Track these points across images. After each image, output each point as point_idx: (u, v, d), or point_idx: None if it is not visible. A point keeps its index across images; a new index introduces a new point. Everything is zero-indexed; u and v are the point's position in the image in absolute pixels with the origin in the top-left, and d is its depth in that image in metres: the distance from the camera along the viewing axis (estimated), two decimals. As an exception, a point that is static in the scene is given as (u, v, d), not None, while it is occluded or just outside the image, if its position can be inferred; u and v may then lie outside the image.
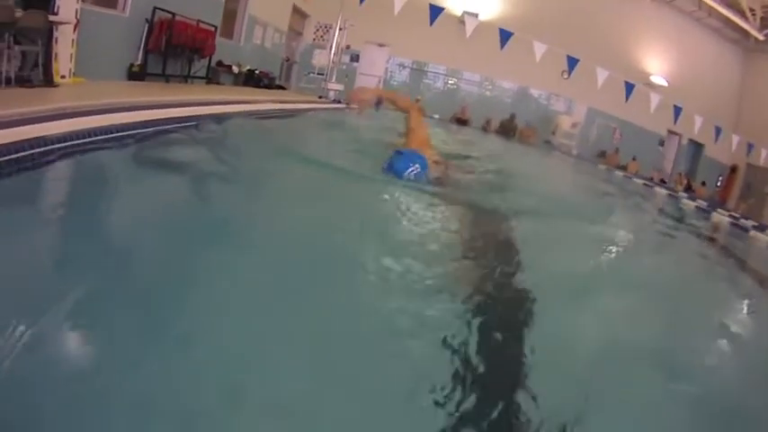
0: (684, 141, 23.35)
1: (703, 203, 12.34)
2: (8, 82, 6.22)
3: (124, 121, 4.92)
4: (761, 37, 20.79)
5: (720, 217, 10.86)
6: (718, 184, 23.74)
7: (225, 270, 2.40)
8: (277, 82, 17.17)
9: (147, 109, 6.02)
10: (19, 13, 6.34)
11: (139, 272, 2.27)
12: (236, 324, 1.98)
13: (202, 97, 9.03)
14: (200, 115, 6.77)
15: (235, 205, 3.59)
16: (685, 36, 22.18)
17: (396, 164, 4.34)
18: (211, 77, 12.73)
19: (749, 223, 10.53)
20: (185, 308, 2.04)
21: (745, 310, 4.32)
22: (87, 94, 6.82)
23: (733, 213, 11.98)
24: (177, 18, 10.36)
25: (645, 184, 14.65)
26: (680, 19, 22.04)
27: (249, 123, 7.84)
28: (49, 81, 6.96)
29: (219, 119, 6.91)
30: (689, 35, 22.23)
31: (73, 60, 7.68)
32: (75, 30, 7.57)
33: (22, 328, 1.60)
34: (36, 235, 2.57)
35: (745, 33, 21.42)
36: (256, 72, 15.14)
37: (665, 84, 21.80)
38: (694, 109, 18.22)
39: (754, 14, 20.26)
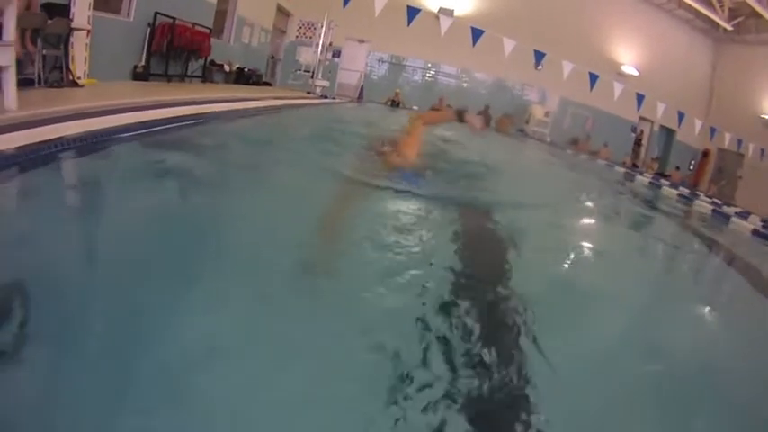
0: (656, 128, 24.21)
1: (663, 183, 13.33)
2: (38, 83, 6.98)
3: (173, 114, 5.95)
4: (729, 27, 21.52)
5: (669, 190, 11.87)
6: (691, 168, 24.52)
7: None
8: (264, 79, 17.92)
9: (183, 105, 7.10)
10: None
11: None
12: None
13: (219, 95, 10.28)
14: (234, 110, 8.17)
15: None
16: (655, 27, 22.97)
17: None
18: (206, 76, 13.45)
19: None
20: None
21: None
22: (113, 93, 7.71)
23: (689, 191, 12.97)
24: (177, 22, 11.14)
25: (607, 165, 15.59)
26: (650, 10, 22.81)
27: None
28: (73, 82, 7.71)
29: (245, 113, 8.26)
30: (659, 26, 23.03)
31: (87, 63, 8.40)
32: (88, 35, 8.30)
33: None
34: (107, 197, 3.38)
35: (715, 24, 22.13)
36: (245, 70, 15.90)
37: (636, 73, 22.64)
38: (665, 97, 19.01)
39: (722, 5, 20.92)
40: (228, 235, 3.05)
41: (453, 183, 5.28)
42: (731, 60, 23.18)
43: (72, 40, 7.89)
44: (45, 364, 1.62)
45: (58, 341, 1.70)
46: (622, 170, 14.80)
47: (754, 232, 7.98)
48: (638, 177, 13.55)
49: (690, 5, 21.18)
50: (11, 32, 4.81)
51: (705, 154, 24.24)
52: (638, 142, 24.22)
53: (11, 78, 4.82)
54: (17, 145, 3.43)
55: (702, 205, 10.07)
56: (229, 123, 7.45)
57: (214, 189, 3.85)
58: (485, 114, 21.40)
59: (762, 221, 9.08)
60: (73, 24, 7.77)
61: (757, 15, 19.46)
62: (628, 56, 23.00)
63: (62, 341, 1.70)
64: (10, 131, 3.78)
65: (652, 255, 5.05)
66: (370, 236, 3.28)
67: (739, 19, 21.16)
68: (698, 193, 12.87)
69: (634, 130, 23.86)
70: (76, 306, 1.92)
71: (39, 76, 7.00)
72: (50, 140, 3.79)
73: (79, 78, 8.03)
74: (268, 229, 3.23)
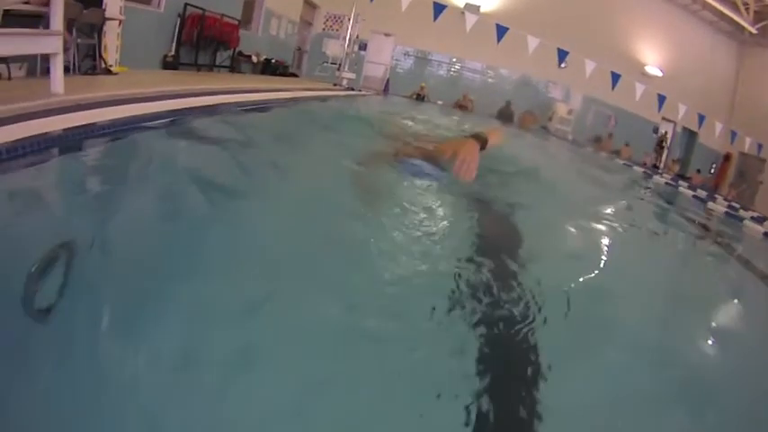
0: (679, 129, 24.12)
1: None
2: (73, 70, 7.27)
3: (210, 102, 6.35)
4: (754, 30, 21.32)
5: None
6: (712, 171, 24.35)
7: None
8: (290, 70, 18.21)
9: (219, 94, 7.53)
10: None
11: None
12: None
13: (249, 85, 10.56)
14: (265, 99, 8.72)
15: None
16: (680, 28, 22.84)
17: None
18: (234, 67, 13.76)
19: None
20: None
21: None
22: (147, 81, 8.00)
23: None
24: (206, 13, 11.50)
25: (624, 164, 15.59)
26: (674, 11, 22.68)
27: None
28: (107, 70, 8.01)
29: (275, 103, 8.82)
30: (683, 27, 22.90)
31: (118, 51, 8.70)
32: (120, 25, 8.59)
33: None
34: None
35: (740, 26, 21.91)
36: (272, 61, 16.18)
37: (660, 74, 22.58)
38: (688, 99, 18.87)
39: (747, 8, 20.74)
40: (262, 211, 3.15)
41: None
42: (755, 64, 22.98)
43: (105, 29, 8.15)
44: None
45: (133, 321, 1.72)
46: (641, 170, 14.81)
47: (766, 235, 8.05)
48: (656, 178, 13.57)
49: (714, 7, 21.05)
50: (59, 22, 5.07)
51: (726, 157, 24.07)
52: (660, 144, 24.10)
53: (58, 65, 5.10)
54: (68, 126, 3.67)
55: (716, 207, 10.13)
56: (261, 113, 7.66)
57: (250, 173, 3.98)
58: (506, 110, 21.52)
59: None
60: (106, 14, 8.03)
61: (783, 20, 19.34)
62: (652, 56, 22.91)
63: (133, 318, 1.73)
64: (62, 113, 4.04)
65: (652, 253, 5.10)
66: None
67: (764, 22, 20.99)
68: (716, 196, 12.88)
69: (656, 131, 23.77)
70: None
71: (73, 63, 7.28)
72: (103, 123, 4.03)
73: (111, 66, 8.31)
74: (297, 205, 3.33)
